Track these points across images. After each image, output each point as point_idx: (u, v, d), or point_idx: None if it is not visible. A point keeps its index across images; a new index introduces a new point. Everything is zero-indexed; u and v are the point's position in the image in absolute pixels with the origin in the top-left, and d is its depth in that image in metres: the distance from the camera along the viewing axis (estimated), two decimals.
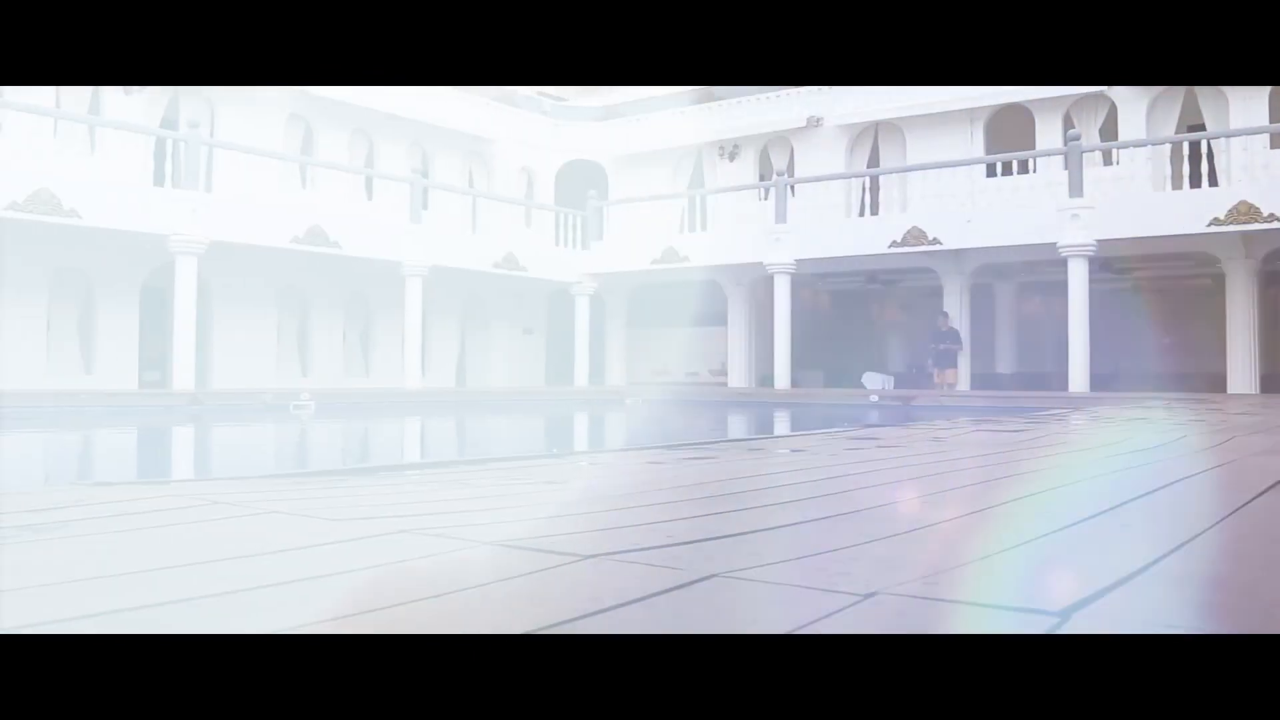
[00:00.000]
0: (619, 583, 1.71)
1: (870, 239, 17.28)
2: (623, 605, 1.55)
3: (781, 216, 18.06)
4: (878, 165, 19.33)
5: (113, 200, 13.94)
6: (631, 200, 21.27)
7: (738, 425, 12.85)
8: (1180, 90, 16.19)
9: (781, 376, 17.70)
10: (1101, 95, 16.90)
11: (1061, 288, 15.36)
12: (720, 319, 21.32)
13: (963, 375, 17.77)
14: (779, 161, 20.28)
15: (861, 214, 18.14)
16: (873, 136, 19.79)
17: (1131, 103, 16.61)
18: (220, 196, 15.38)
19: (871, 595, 1.60)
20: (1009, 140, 18.06)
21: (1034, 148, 17.28)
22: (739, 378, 20.71)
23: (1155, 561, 1.92)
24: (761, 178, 20.83)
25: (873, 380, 19.38)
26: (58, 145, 14.16)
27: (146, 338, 16.26)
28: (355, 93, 18.60)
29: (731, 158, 21.44)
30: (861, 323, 24.77)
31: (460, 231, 19.21)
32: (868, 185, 18.15)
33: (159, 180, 14.87)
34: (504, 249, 19.30)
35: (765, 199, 19.18)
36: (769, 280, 18.64)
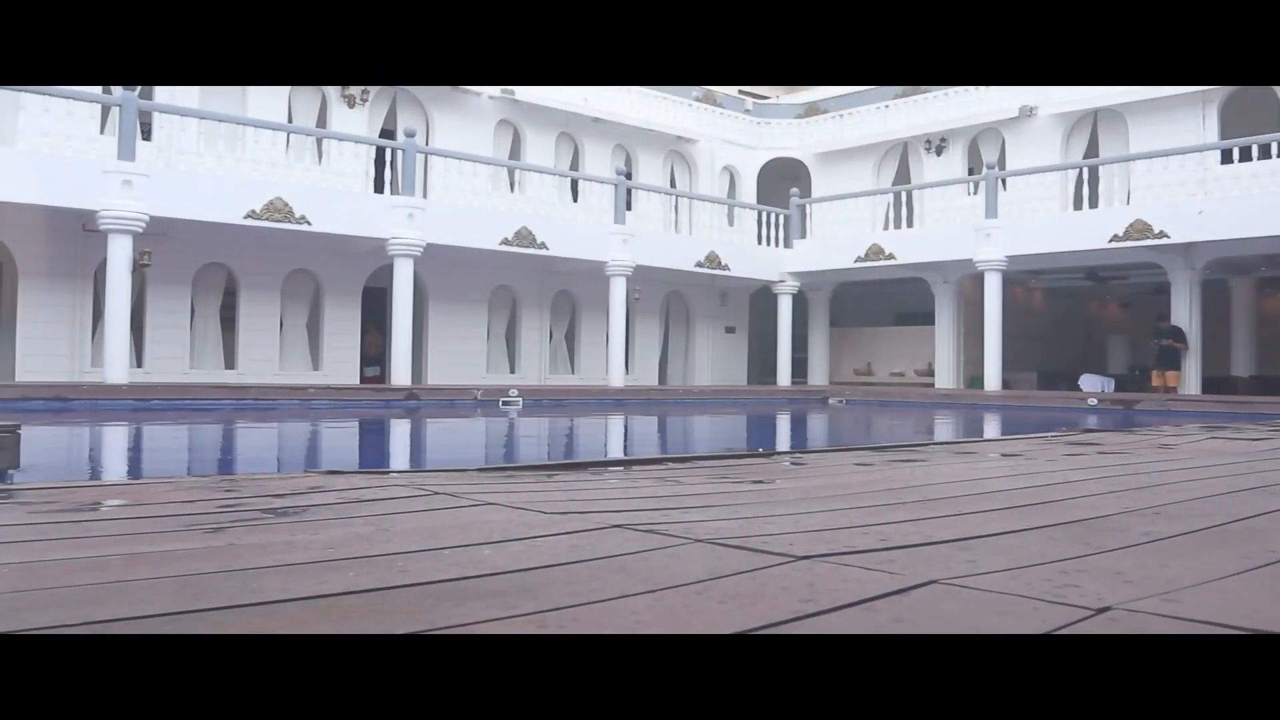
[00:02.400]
0: (834, 585, 1.68)
1: (1089, 233, 16.40)
2: (840, 608, 1.52)
3: (992, 211, 17.38)
4: (1097, 155, 18.32)
5: (338, 207, 14.87)
6: (835, 197, 20.95)
7: (946, 427, 12.45)
8: None
9: (992, 378, 17.04)
10: None
11: None
12: (927, 318, 20.73)
13: (1190, 378, 16.61)
14: (989, 154, 19.52)
15: (1079, 207, 17.22)
16: (1091, 125, 18.79)
17: None
18: (435, 201, 16.11)
19: (1105, 610, 1.51)
20: (1249, 124, 16.73)
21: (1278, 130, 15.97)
22: (946, 378, 20.08)
23: None
24: (971, 171, 20.12)
25: (1091, 383, 18.39)
26: (290, 158, 15.18)
27: (367, 335, 17.25)
28: (561, 98, 19.11)
29: (939, 151, 20.80)
30: (1078, 322, 23.62)
31: (663, 231, 19.42)
32: (1086, 176, 17.20)
33: (379, 187, 15.74)
34: (706, 248, 19.39)
35: (974, 193, 18.50)
36: (978, 277, 17.99)
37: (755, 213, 20.96)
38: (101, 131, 14.03)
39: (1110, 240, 15.98)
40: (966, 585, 1.69)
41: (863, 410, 16.13)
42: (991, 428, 12.23)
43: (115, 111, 13.61)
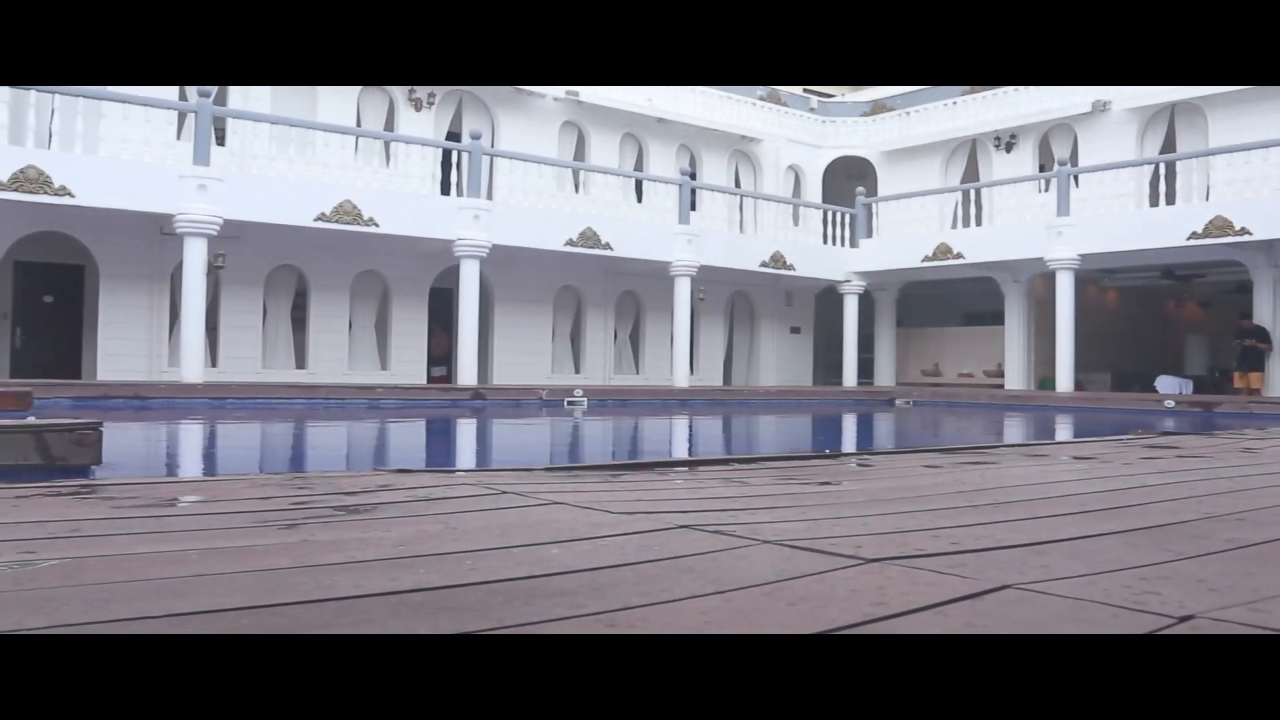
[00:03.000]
0: (905, 589, 1.66)
1: (1165, 231, 16.00)
2: (911, 612, 1.50)
3: (1064, 209, 17.05)
4: (1174, 150, 17.88)
5: (405, 209, 15.09)
6: (902, 196, 20.71)
7: (1017, 429, 12.25)
8: None
9: (1064, 379, 16.72)
10: None
11: None
12: (996, 318, 20.42)
13: (1275, 380, 16.14)
14: (1061, 150, 19.16)
15: (1155, 204, 16.81)
16: (1168, 119, 18.35)
17: None
18: (500, 203, 16.25)
19: (1188, 619, 1.47)
20: None
21: None
22: (1016, 379, 19.75)
23: None
24: (1041, 168, 19.77)
25: (1168, 384, 17.94)
26: (358, 161, 15.42)
27: (433, 336, 17.46)
28: (625, 98, 19.16)
29: (1008, 148, 20.47)
30: (1155, 322, 23.09)
31: (728, 231, 19.37)
32: (1163, 172, 16.80)
33: (445, 190, 15.92)
34: (771, 248, 19.30)
35: (1045, 191, 18.16)
36: (1049, 277, 17.67)
37: (820, 212, 20.82)
38: (178, 137, 14.39)
39: (1189, 238, 15.59)
40: (1042, 591, 1.66)
41: (930, 412, 15.93)
42: (1064, 430, 12.00)
43: (191, 118, 13.95)
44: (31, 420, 5.18)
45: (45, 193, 12.53)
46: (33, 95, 13.03)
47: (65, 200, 12.68)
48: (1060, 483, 3.62)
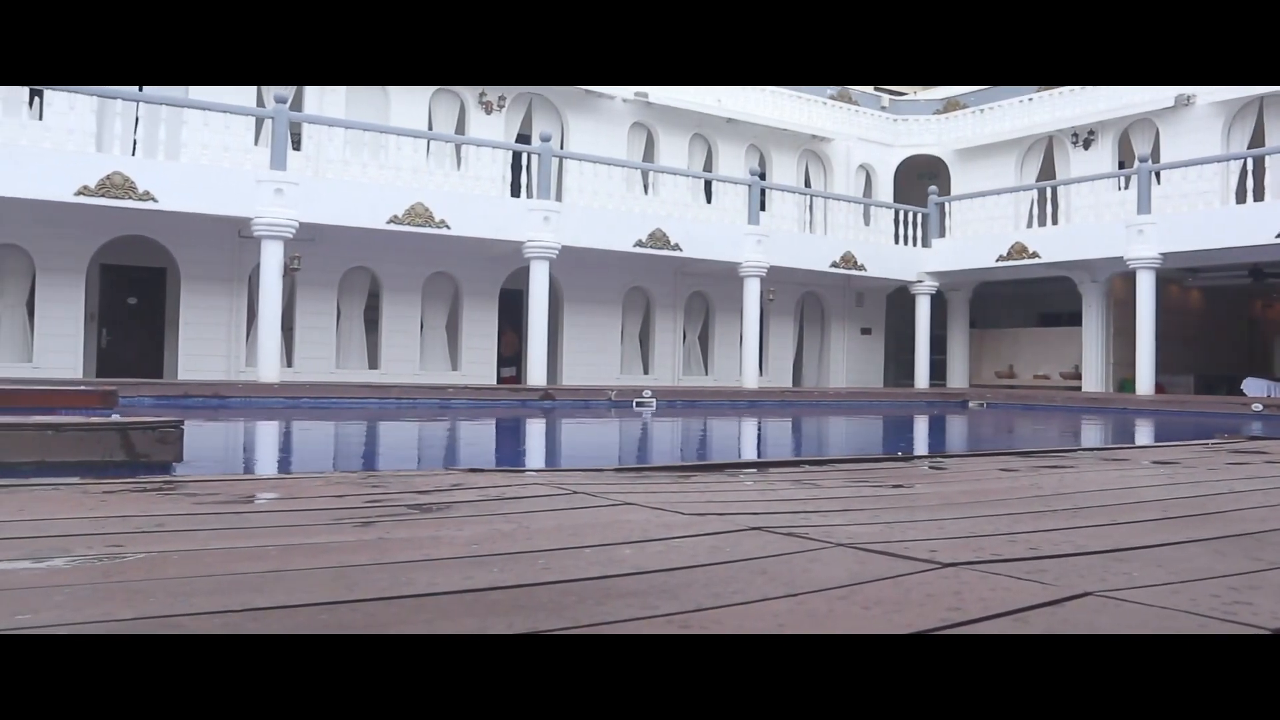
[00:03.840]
0: (982, 594, 1.63)
1: (1253, 228, 15.51)
2: (989, 618, 1.47)
3: (1145, 206, 16.64)
4: (1263, 144, 17.34)
5: (476, 211, 15.25)
6: (976, 194, 20.38)
7: (1095, 433, 11.98)
8: None
9: (1144, 381, 16.30)
10: None
11: None
12: (1073, 318, 20.00)
13: None
14: (1141, 146, 18.71)
15: (1241, 200, 16.32)
16: (1256, 112, 17.80)
17: None
18: (570, 204, 16.33)
19: None
20: None
21: None
22: (1094, 381, 19.32)
23: None
24: (1121, 165, 19.31)
25: (1256, 387, 17.39)
26: (430, 164, 15.62)
27: (504, 336, 17.61)
28: (694, 99, 19.15)
29: (1086, 145, 20.04)
30: (1241, 322, 22.43)
31: (798, 231, 19.25)
32: (1250, 168, 16.29)
33: (515, 191, 16.05)
34: (842, 248, 19.14)
35: (1126, 188, 17.73)
36: (1129, 276, 17.26)
37: (892, 211, 20.59)
38: (255, 143, 14.70)
39: (1278, 236, 15.11)
40: (1124, 599, 1.61)
41: (1004, 414, 15.65)
42: (1144, 434, 11.71)
43: (268, 123, 14.25)
44: (116, 418, 5.34)
45: (130, 198, 12.90)
46: (119, 104, 13.42)
47: (148, 205, 13.04)
48: (1142, 488, 3.53)
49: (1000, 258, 18.93)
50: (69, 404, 8.86)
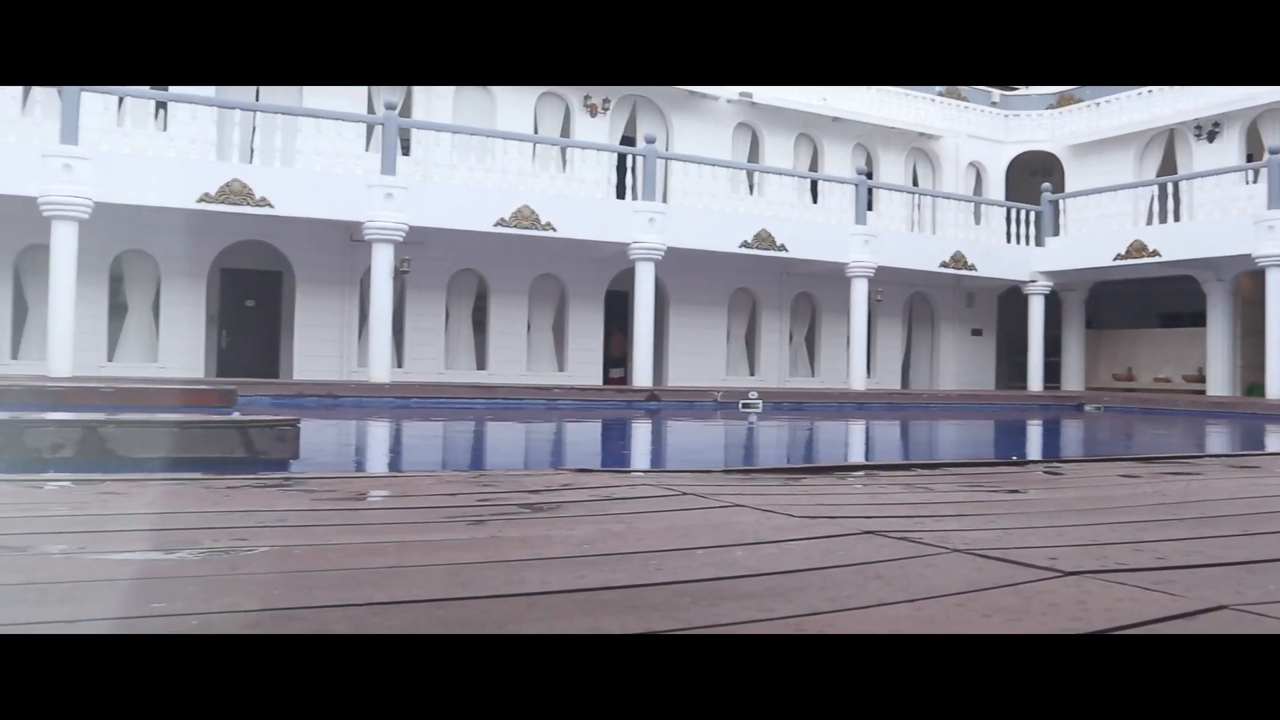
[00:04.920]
0: (1107, 604, 1.57)
1: None
2: (1115, 629, 1.41)
3: (1276, 201, 15.89)
4: None
5: (581, 213, 15.38)
6: (1092, 191, 19.74)
7: (1222, 438, 11.49)
8: None
9: (1275, 385, 15.58)
10: None
11: None
12: (1196, 319, 19.22)
13: None
14: (1271, 138, 17.86)
15: None
16: None
17: None
18: (675, 205, 16.35)
19: None
20: None
21: None
22: (1219, 385, 18.52)
23: None
24: (1249, 158, 18.49)
25: None
26: (536, 167, 15.81)
27: (610, 337, 17.73)
28: (800, 98, 18.99)
29: (1210, 137, 19.24)
30: None
31: (906, 231, 18.92)
32: None
33: (621, 193, 16.14)
34: (951, 247, 18.75)
35: (1253, 182, 16.97)
36: (1258, 274, 16.53)
37: (1003, 210, 20.08)
38: (366, 149, 15.08)
39: None
40: (1262, 613, 1.53)
41: (1123, 418, 15.13)
42: (1276, 440, 11.19)
43: (378, 129, 14.60)
44: (237, 416, 5.52)
45: (248, 204, 13.37)
46: (237, 114, 13.92)
47: (265, 211, 13.50)
48: (1275, 497, 3.38)
49: (1118, 256, 18.30)
50: (192, 402, 9.22)
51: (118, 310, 14.93)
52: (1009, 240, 19.65)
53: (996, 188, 21.73)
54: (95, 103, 13.24)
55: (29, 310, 14.37)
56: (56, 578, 1.57)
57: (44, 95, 13.13)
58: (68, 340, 12.57)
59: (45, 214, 12.51)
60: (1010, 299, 21.16)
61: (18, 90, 13.01)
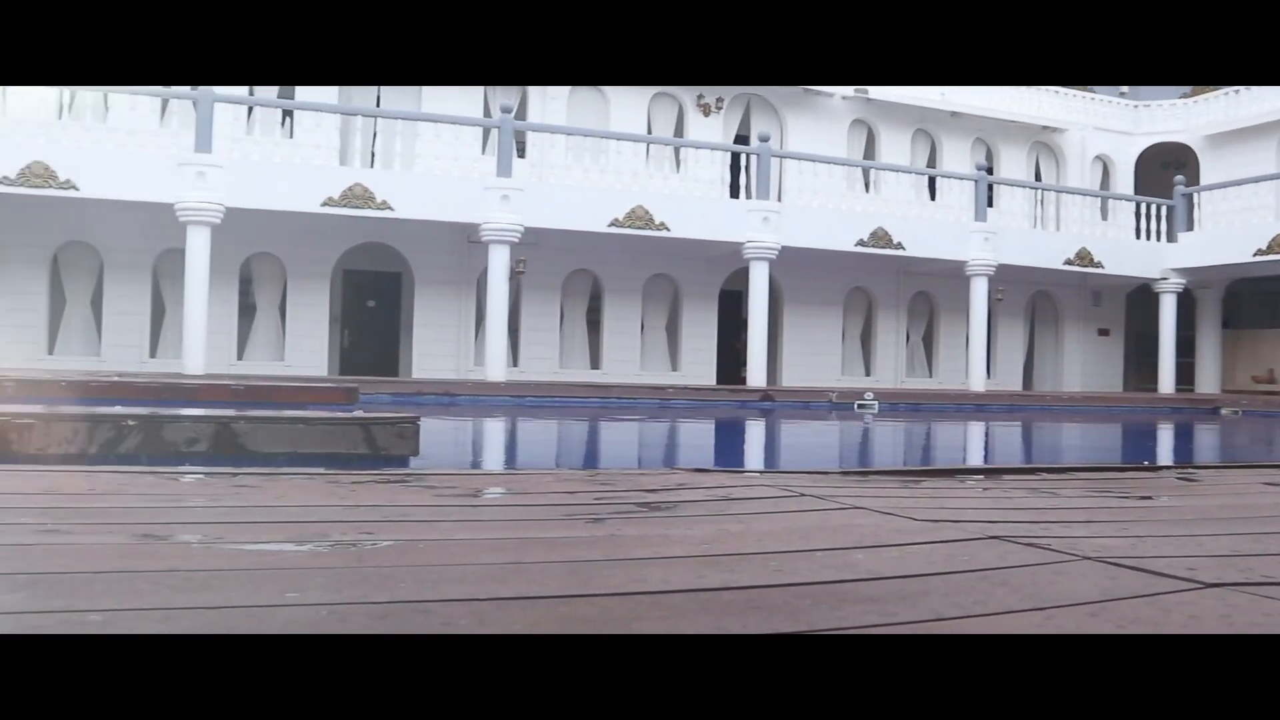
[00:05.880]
0: (1255, 619, 1.49)
1: None
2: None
3: None
4: None
5: (695, 213, 15.39)
6: (1230, 184, 18.86)
7: None
8: None
9: None
10: None
11: None
12: None
13: None
14: None
15: None
16: None
17: None
18: (789, 204, 16.22)
19: None
20: None
21: None
22: None
23: None
24: None
25: None
26: (649, 167, 15.86)
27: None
28: (917, 93, 18.63)
29: None
30: None
31: (1028, 228, 18.38)
32: None
33: (734, 192, 16.08)
34: (1076, 244, 18.15)
35: None
36: None
37: (1132, 205, 19.33)
38: (483, 151, 15.36)
39: None
40: None
41: (1264, 423, 14.41)
42: None
43: (494, 132, 14.84)
44: (360, 414, 5.67)
45: (369, 207, 13.77)
46: (359, 120, 14.34)
47: (386, 214, 13.88)
48: None
49: (1259, 252, 17.44)
50: (316, 400, 9.51)
51: (247, 311, 15.53)
52: (1138, 236, 18.92)
53: (1125, 181, 20.95)
54: (227, 113, 13.79)
55: (165, 311, 15.05)
56: (196, 566, 1.64)
57: (180, 107, 13.73)
58: (201, 340, 13.13)
59: (181, 219, 13.09)
60: (1139, 297, 20.37)
61: (156, 103, 13.64)
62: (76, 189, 12.76)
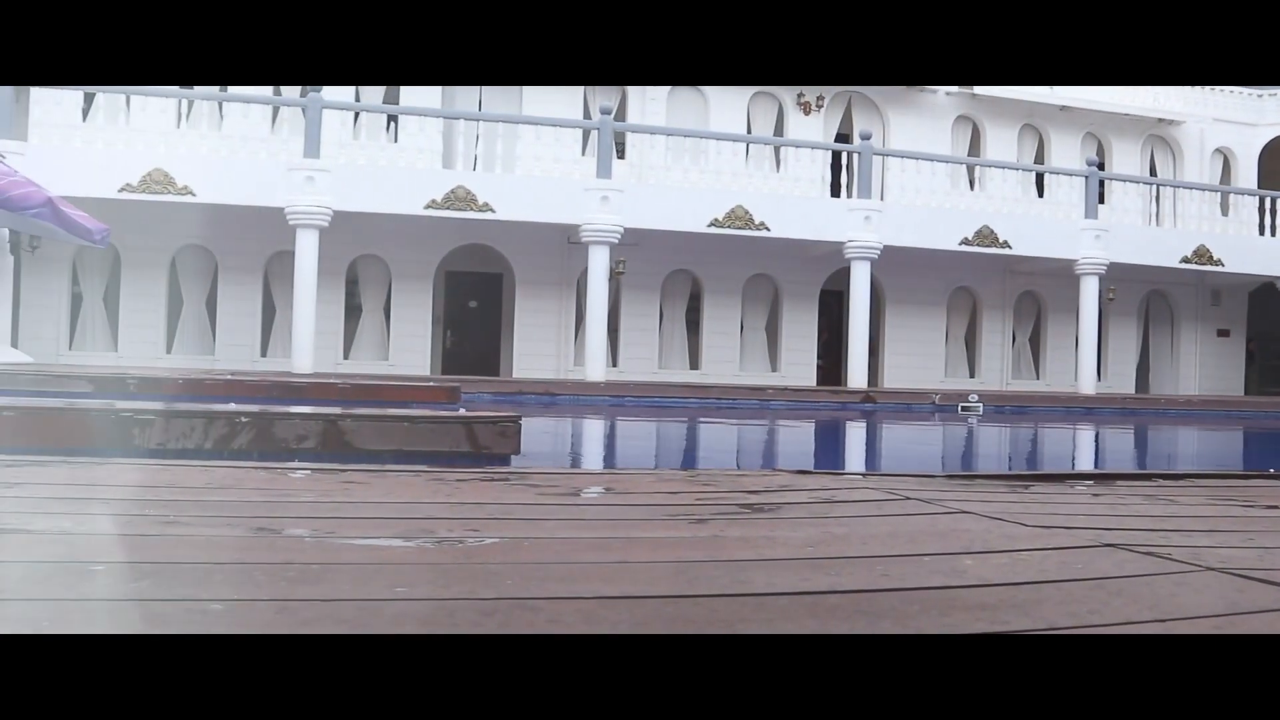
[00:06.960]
0: None
1: None
2: None
3: None
4: None
5: (795, 213, 15.27)
6: None
7: None
8: None
9: None
10: None
11: None
12: None
13: None
14: None
15: None
16: None
17: None
18: (892, 203, 15.98)
19: None
20: None
21: None
22: None
23: None
24: None
25: None
26: (749, 167, 15.78)
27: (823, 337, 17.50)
28: (1024, 88, 18.17)
29: None
30: None
31: (1141, 224, 17.77)
32: None
33: (835, 192, 15.90)
34: (1194, 241, 17.48)
35: None
36: None
37: (1255, 199, 18.52)
38: (583, 153, 15.48)
39: None
40: None
41: None
42: None
43: (594, 134, 14.94)
44: (462, 412, 5.76)
45: (471, 209, 14.00)
46: (461, 123, 14.59)
47: (487, 215, 14.10)
48: None
49: None
50: (420, 399, 9.68)
51: (353, 311, 15.93)
52: (1262, 233, 18.12)
53: (1247, 175, 20.11)
54: (334, 118, 14.17)
55: (275, 312, 15.53)
56: (309, 559, 1.68)
57: (290, 114, 14.15)
58: (309, 339, 13.52)
59: (291, 223, 13.50)
60: (1263, 296, 19.52)
61: (267, 110, 14.09)
62: (193, 194, 13.27)
